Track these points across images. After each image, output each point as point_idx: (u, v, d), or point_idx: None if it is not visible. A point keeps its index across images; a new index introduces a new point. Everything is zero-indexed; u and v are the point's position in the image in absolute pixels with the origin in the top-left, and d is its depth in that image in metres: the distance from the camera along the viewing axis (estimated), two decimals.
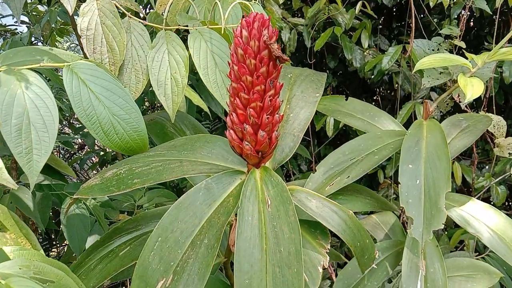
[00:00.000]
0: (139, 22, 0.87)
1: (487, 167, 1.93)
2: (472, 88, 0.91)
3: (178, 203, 0.62)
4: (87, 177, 2.97)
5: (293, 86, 0.84)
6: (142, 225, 0.82)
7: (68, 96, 0.71)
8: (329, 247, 0.71)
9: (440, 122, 1.06)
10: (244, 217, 0.58)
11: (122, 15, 0.88)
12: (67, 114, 2.43)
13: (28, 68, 0.72)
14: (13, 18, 2.81)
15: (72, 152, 3.05)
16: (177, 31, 0.91)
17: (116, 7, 0.85)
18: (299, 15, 2.30)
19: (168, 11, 0.94)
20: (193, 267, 0.57)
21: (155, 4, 1.05)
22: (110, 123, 0.71)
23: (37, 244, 0.74)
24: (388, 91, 2.43)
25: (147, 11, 2.39)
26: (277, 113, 0.62)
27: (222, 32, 0.86)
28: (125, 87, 0.83)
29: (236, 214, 0.61)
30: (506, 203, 2.15)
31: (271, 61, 0.58)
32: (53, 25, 2.38)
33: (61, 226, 1.20)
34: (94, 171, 3.01)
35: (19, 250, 0.63)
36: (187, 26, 0.89)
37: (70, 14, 0.83)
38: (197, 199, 0.62)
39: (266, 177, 0.64)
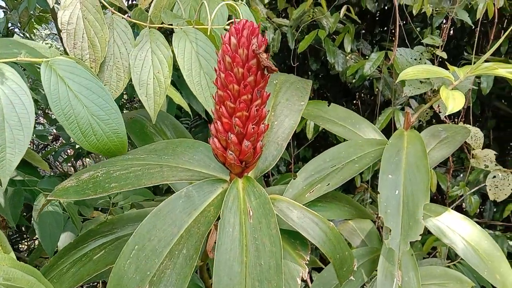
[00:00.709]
0: (123, 18, 0.84)
1: (461, 175, 1.97)
2: (453, 101, 0.92)
3: (157, 210, 0.60)
4: (61, 170, 2.90)
5: (278, 93, 0.83)
6: (117, 228, 0.80)
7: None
8: (308, 258, 0.71)
9: (418, 130, 1.07)
10: (225, 228, 0.57)
11: (104, 8, 0.85)
12: (43, 105, 2.36)
13: (4, 62, 0.69)
14: None
15: (45, 143, 2.97)
16: (161, 29, 0.89)
17: (99, 1, 0.82)
18: (284, 15, 2.29)
19: (152, 6, 0.92)
20: (171, 277, 0.56)
21: None
22: (89, 123, 0.69)
23: (7, 246, 0.71)
24: (368, 96, 2.46)
25: (130, 3, 2.34)
26: (262, 123, 0.61)
27: (208, 33, 0.84)
28: (105, 85, 0.80)
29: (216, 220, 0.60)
30: (478, 210, 2.20)
31: (259, 70, 0.57)
32: (31, 12, 2.31)
33: (32, 222, 1.17)
34: (68, 164, 2.94)
35: None
36: (171, 24, 0.87)
37: (51, 7, 0.80)
38: (176, 207, 0.61)
39: (248, 187, 0.63)
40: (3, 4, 2.48)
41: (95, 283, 2.13)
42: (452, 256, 1.71)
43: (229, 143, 0.61)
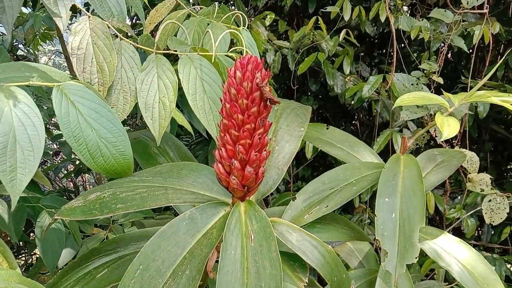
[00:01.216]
0: (131, 44, 0.88)
1: (459, 197, 1.99)
2: (448, 128, 0.95)
3: (161, 232, 0.63)
4: (61, 186, 2.91)
5: (279, 119, 0.86)
6: (121, 247, 0.82)
7: (51, 106, 0.71)
8: (306, 281, 0.72)
9: (415, 153, 1.10)
10: (227, 251, 0.59)
11: (114, 36, 0.88)
12: (46, 120, 2.39)
13: (16, 85, 0.72)
14: None
15: (46, 159, 2.99)
16: (167, 54, 0.93)
17: (108, 27, 0.86)
18: (284, 37, 2.34)
19: (158, 33, 0.96)
20: None
21: (145, 19, 1.06)
22: (97, 145, 0.71)
23: (13, 263, 0.73)
24: (367, 117, 2.49)
25: (134, 21, 2.40)
26: (264, 150, 0.64)
27: (213, 60, 0.87)
28: (112, 107, 0.83)
29: None
30: (476, 233, 2.21)
31: (262, 101, 0.60)
32: (36, 30, 2.36)
33: (32, 235, 1.18)
34: (68, 179, 2.96)
35: None
36: (176, 51, 0.90)
37: (62, 32, 0.83)
38: (180, 229, 0.63)
39: (250, 211, 0.65)
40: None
41: None
42: (450, 279, 1.72)
43: (232, 168, 0.63)
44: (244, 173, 0.63)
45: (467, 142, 1.69)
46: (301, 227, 0.76)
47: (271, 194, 2.24)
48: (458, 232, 1.99)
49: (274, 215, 0.85)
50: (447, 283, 1.56)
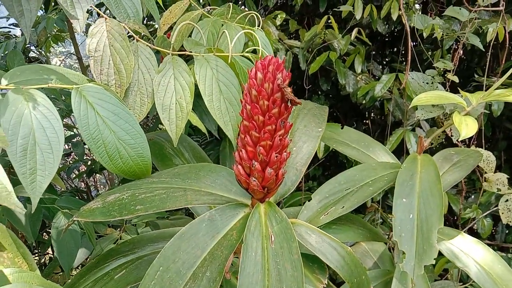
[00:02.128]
0: (147, 46, 0.88)
1: (472, 196, 1.97)
2: (466, 127, 0.94)
3: (181, 233, 0.63)
4: (73, 186, 2.93)
5: (296, 120, 0.86)
6: (138, 248, 0.82)
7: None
8: (326, 282, 0.72)
9: (429, 152, 1.09)
10: (247, 253, 0.59)
11: (130, 38, 0.89)
12: None
13: (36, 88, 0.72)
14: (7, 21, 2.79)
15: None
16: (182, 55, 0.93)
17: (125, 30, 0.86)
18: (295, 35, 2.33)
19: (175, 35, 0.96)
20: None
21: (159, 20, 1.06)
22: (116, 147, 0.72)
23: (33, 264, 0.74)
24: (379, 116, 2.47)
25: (145, 23, 2.41)
26: (285, 151, 0.64)
27: (229, 61, 0.87)
28: (129, 109, 0.84)
29: None
30: (490, 233, 2.19)
31: (283, 102, 0.60)
32: (49, 32, 2.37)
33: (44, 236, 1.18)
34: (80, 180, 2.97)
35: (18, 273, 0.62)
36: (192, 52, 0.90)
37: (79, 33, 0.84)
38: (200, 230, 0.63)
39: (270, 212, 0.65)
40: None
41: None
42: (464, 279, 1.71)
43: (252, 170, 0.63)
44: (265, 174, 0.63)
45: (483, 141, 1.67)
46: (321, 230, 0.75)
47: None
48: (472, 232, 1.97)
49: (289, 216, 0.84)
50: (461, 283, 1.55)
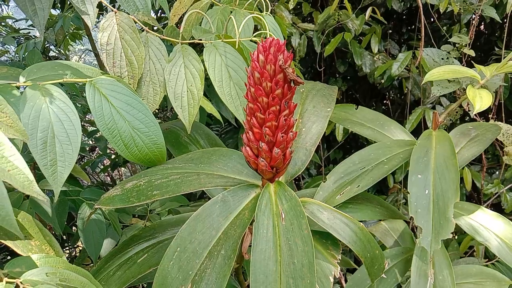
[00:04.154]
0: (157, 36, 0.90)
1: (497, 172, 1.94)
2: (480, 100, 0.93)
3: (196, 215, 0.65)
4: (98, 180, 3.01)
5: (305, 101, 0.87)
6: (158, 233, 0.85)
7: (85, 103, 0.74)
8: (340, 258, 0.73)
9: (449, 129, 1.08)
10: (259, 230, 0.61)
11: (140, 30, 0.91)
12: (81, 116, 2.47)
13: (51, 83, 0.75)
14: (26, 22, 2.87)
15: (83, 154, 3.10)
16: (192, 43, 0.94)
17: (134, 21, 0.88)
18: (309, 19, 2.32)
19: (183, 24, 0.97)
20: (211, 276, 0.60)
21: (169, 12, 1.08)
22: (131, 136, 0.74)
23: (60, 251, 0.78)
24: (398, 96, 2.44)
25: (159, 15, 2.43)
26: (291, 131, 0.65)
27: (237, 46, 0.88)
28: (143, 99, 0.86)
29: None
30: None
31: (286, 83, 0.61)
32: (66, 31, 2.43)
33: (74, 229, 1.23)
34: (105, 174, 3.05)
35: (45, 258, 0.66)
36: (201, 40, 0.92)
37: (91, 29, 0.86)
38: (214, 211, 0.65)
39: (280, 191, 0.67)
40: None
41: None
42: (490, 256, 1.69)
43: (260, 151, 0.65)
44: (272, 154, 0.64)
45: (503, 115, 1.64)
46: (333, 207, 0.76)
47: (303, 178, 2.25)
48: (498, 209, 1.93)
49: (305, 196, 0.86)
50: (487, 260, 1.54)
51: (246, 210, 0.66)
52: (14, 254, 0.76)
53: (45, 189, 1.16)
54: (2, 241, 0.72)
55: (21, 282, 0.57)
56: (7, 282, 0.57)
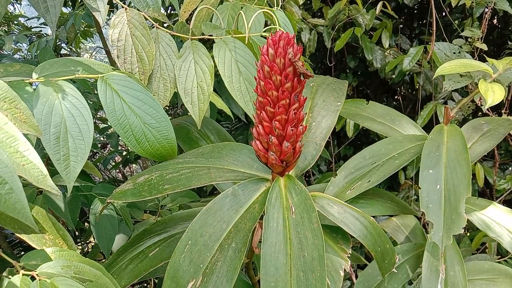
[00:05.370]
0: (167, 32, 0.90)
1: (510, 168, 1.91)
2: (493, 94, 0.92)
3: (207, 209, 0.66)
4: (110, 176, 3.04)
5: (315, 95, 0.87)
6: (170, 227, 0.86)
7: (96, 100, 0.75)
8: (350, 252, 0.73)
9: (462, 124, 1.07)
10: (269, 223, 0.61)
11: (150, 26, 0.91)
12: (93, 113, 2.49)
13: (64, 79, 0.76)
14: (38, 20, 2.90)
15: (95, 151, 3.13)
16: (202, 39, 0.95)
17: (144, 18, 0.89)
18: (319, 14, 2.31)
19: (193, 20, 0.98)
20: (222, 269, 0.61)
21: (179, 8, 1.09)
22: (142, 131, 0.75)
23: (73, 245, 0.79)
24: (409, 91, 2.42)
25: (169, 12, 2.44)
26: (301, 125, 0.65)
27: (246, 42, 0.89)
28: (153, 95, 0.87)
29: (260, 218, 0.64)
30: None
31: (295, 77, 0.61)
32: (77, 28, 2.44)
33: (86, 225, 1.24)
34: (117, 170, 3.08)
35: (59, 251, 0.67)
36: (211, 36, 0.92)
37: (101, 26, 0.87)
38: (224, 205, 0.66)
39: (290, 185, 0.67)
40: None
41: (146, 285, 2.23)
42: (503, 252, 1.67)
43: (270, 144, 0.65)
44: (282, 148, 0.65)
45: None
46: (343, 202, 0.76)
47: (313, 174, 2.25)
48: (510, 205, 1.91)
49: (315, 191, 0.86)
50: (499, 256, 1.52)
51: (256, 203, 0.66)
52: (27, 249, 0.77)
53: (58, 184, 1.18)
54: (18, 235, 0.73)
55: (37, 275, 0.58)
56: (23, 275, 0.58)
